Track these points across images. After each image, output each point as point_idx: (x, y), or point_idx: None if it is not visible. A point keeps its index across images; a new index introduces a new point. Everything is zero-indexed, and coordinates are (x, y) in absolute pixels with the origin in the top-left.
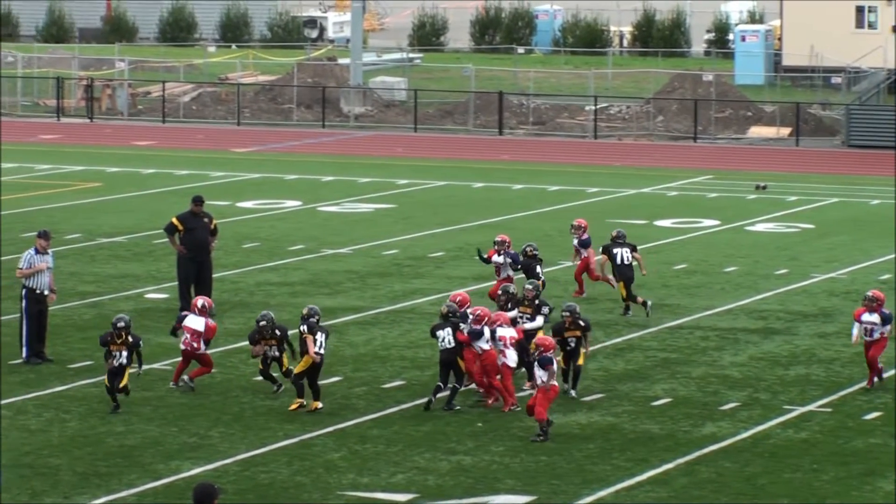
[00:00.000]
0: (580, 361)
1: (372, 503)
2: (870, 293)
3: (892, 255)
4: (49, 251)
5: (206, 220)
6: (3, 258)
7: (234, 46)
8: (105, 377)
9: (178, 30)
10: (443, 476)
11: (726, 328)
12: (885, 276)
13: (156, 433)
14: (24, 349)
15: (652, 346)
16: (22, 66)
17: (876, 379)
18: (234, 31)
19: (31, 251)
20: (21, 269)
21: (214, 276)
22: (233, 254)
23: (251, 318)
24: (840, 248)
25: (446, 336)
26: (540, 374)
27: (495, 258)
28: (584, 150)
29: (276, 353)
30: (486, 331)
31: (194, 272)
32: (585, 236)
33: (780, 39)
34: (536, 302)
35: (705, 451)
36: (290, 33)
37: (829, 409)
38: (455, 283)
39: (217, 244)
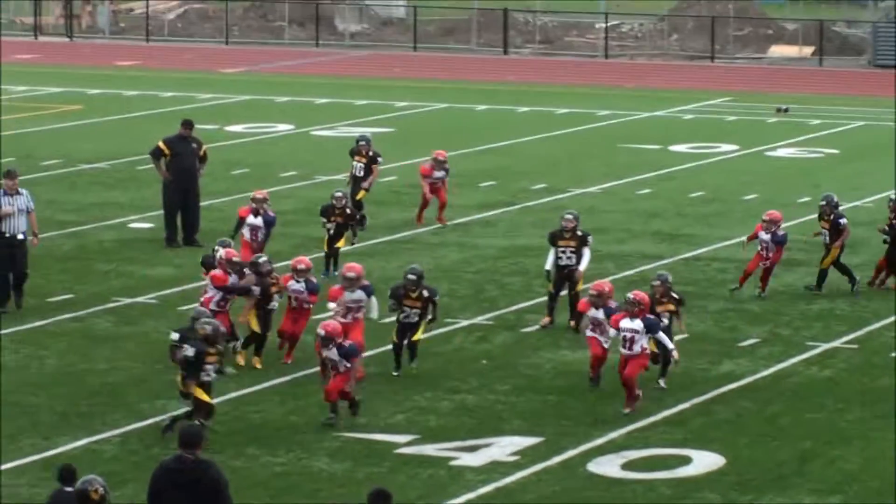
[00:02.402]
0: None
1: (370, 444)
2: (766, 216)
3: None
4: (22, 191)
5: (194, 145)
6: None
7: None
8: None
9: None
10: (445, 416)
11: (746, 259)
12: None
13: (140, 370)
14: None
15: None
16: None
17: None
18: None
19: None
20: None
21: (202, 203)
22: (221, 180)
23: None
24: (865, 175)
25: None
26: None
27: (251, 219)
28: (594, 70)
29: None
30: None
31: (181, 200)
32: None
33: None
34: (579, 233)
35: (723, 389)
36: None
37: (854, 346)
38: (457, 211)
39: (205, 171)
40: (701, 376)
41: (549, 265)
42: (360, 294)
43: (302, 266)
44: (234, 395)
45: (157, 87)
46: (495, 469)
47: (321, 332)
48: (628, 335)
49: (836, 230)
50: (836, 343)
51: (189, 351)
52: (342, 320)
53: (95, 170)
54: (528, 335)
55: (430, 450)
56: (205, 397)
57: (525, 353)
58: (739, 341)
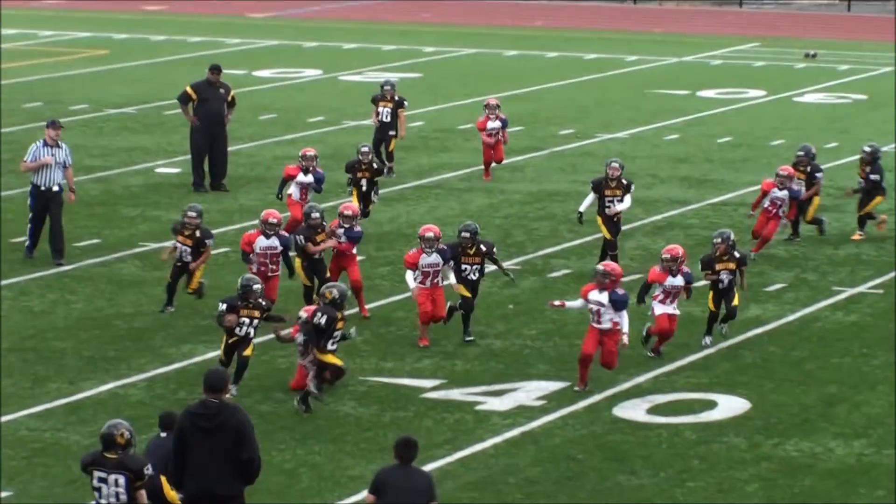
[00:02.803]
0: (735, 302)
1: (396, 389)
2: (781, 171)
3: None
4: (62, 145)
5: (222, 91)
6: (3, 130)
7: None
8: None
9: None
10: (471, 361)
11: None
12: None
13: (166, 315)
14: (27, 241)
15: (693, 223)
16: None
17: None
18: None
19: (39, 143)
20: (25, 161)
21: (229, 149)
22: (249, 125)
23: (268, 194)
24: (893, 120)
25: None
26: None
27: (301, 177)
28: (622, 15)
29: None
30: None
31: (208, 145)
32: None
33: None
34: (624, 181)
35: (749, 334)
36: None
37: (880, 291)
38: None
39: (233, 116)
40: None
41: (583, 207)
42: (436, 258)
43: (349, 212)
44: (260, 339)
45: (184, 32)
46: (521, 413)
47: (303, 314)
48: (594, 307)
49: (811, 183)
50: (862, 288)
51: (322, 319)
52: (423, 286)
53: (123, 115)
54: (555, 280)
55: (456, 394)
56: (335, 360)
57: (552, 297)
58: (766, 286)
